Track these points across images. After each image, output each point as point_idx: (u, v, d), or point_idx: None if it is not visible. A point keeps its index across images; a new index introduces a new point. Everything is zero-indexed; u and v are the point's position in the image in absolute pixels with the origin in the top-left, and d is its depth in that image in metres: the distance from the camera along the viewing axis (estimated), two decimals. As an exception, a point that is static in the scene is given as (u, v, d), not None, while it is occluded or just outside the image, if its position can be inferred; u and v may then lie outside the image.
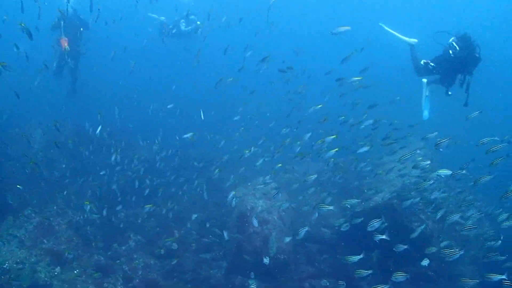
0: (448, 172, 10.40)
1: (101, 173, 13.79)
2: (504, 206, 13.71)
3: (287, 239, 11.81)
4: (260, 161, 13.13)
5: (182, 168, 16.68)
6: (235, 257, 12.43)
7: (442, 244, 11.34)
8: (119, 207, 13.53)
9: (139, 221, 13.88)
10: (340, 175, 13.85)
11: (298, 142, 12.31)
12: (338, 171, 14.27)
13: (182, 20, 20.34)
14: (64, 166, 15.24)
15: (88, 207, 12.82)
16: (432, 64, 12.86)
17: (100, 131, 13.10)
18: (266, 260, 10.24)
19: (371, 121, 12.68)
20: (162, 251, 12.51)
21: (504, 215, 10.40)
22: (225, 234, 10.73)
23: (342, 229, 11.00)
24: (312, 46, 35.30)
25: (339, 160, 15.06)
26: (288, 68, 13.47)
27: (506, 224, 10.19)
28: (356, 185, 14.61)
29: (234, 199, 12.27)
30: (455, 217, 10.23)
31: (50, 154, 15.63)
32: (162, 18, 21.68)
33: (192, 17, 20.45)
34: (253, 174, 14.64)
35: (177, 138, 17.00)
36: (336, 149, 11.53)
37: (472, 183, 9.93)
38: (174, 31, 20.52)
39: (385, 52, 34.21)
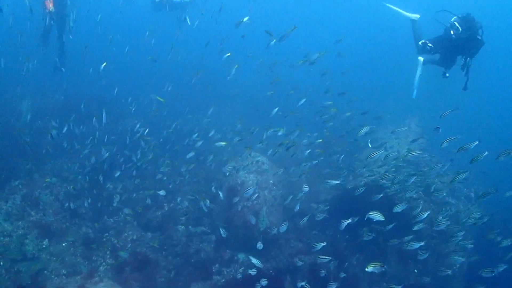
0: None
1: (87, 142, 13.35)
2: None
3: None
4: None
5: (171, 143, 16.30)
6: (226, 231, 12.27)
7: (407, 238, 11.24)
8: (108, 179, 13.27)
9: (127, 194, 13.61)
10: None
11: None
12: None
13: None
14: (50, 138, 14.80)
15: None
16: (430, 45, 12.43)
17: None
18: (259, 245, 10.18)
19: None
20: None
21: (476, 214, 10.48)
22: (221, 194, 10.69)
23: (316, 218, 10.90)
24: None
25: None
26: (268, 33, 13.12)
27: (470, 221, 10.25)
28: (347, 163, 14.46)
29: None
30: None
31: (37, 125, 15.20)
32: None
33: None
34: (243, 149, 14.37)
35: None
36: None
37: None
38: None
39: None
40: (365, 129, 10.64)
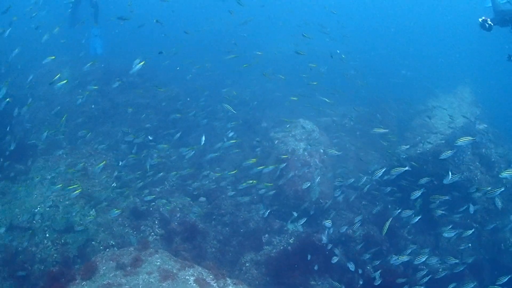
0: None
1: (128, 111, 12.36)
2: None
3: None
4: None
5: (213, 108, 15.23)
6: (274, 201, 11.36)
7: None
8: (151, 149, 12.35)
9: (171, 162, 12.71)
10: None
11: None
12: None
13: None
14: (93, 106, 13.94)
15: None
16: (490, 23, 10.64)
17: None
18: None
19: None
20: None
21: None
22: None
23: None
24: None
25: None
26: None
27: None
28: (396, 130, 13.29)
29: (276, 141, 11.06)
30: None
31: (78, 94, 14.29)
32: None
33: None
34: (289, 116, 13.31)
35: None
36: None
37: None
38: None
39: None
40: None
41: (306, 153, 11.41)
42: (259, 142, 11.91)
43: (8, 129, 12.64)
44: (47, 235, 9.52)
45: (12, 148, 11.07)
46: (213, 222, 11.04)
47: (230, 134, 12.25)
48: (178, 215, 10.79)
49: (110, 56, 15.72)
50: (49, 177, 10.81)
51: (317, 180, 11.05)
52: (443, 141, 11.52)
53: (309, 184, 10.39)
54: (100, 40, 16.41)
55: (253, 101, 15.15)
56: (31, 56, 16.52)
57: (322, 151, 11.73)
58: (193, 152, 10.79)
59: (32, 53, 16.49)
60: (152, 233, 10.39)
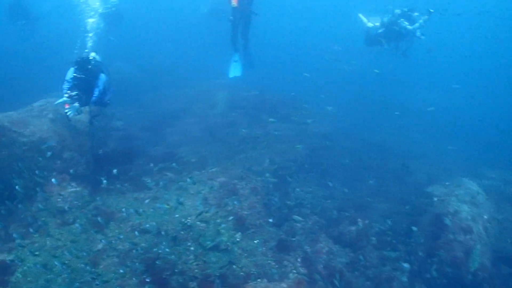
0: None
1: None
2: None
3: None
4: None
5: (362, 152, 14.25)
6: (424, 263, 9.95)
7: None
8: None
9: (316, 200, 11.85)
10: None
11: None
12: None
13: (402, 19, 15.63)
14: (243, 130, 13.65)
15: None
16: None
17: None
18: None
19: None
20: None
21: None
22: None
23: None
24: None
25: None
26: None
27: None
28: None
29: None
30: None
31: (231, 116, 14.15)
32: (370, 24, 17.32)
33: (416, 14, 15.68)
34: (443, 173, 11.91)
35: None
36: None
37: None
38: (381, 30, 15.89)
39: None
40: None
41: (469, 217, 9.92)
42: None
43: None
44: (192, 248, 9.04)
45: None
46: (356, 272, 9.91)
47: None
48: (323, 257, 9.81)
49: (265, 85, 15.50)
50: (202, 191, 10.48)
51: (478, 248, 9.51)
52: None
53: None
54: (239, 64, 16.18)
55: (397, 149, 13.90)
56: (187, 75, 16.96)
57: (486, 217, 10.16)
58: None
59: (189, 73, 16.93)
60: (294, 270, 9.49)
